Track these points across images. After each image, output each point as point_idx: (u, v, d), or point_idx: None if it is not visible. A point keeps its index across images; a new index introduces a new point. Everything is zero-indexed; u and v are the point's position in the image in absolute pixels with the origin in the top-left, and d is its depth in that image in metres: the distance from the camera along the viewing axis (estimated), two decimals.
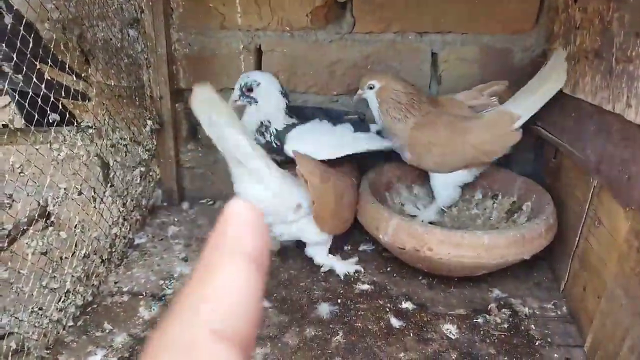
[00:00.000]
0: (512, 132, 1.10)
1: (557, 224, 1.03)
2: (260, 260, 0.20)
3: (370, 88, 1.14)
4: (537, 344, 0.91)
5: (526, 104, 1.10)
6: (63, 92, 0.86)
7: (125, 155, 1.11)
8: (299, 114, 1.16)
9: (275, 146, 1.11)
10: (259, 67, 1.31)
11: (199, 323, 0.19)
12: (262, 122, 1.10)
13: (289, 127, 1.11)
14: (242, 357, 0.19)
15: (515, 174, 1.22)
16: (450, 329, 0.95)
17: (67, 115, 0.89)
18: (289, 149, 1.07)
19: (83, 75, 0.97)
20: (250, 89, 1.07)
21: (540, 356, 0.88)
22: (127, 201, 1.13)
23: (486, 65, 1.25)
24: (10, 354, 0.79)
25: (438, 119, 1.13)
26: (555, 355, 0.89)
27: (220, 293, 0.19)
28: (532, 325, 0.96)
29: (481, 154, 1.13)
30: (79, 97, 0.90)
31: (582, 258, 0.96)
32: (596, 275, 0.89)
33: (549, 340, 0.92)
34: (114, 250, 1.09)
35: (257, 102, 1.09)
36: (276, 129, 1.11)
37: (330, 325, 0.95)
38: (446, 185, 1.19)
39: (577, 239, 0.98)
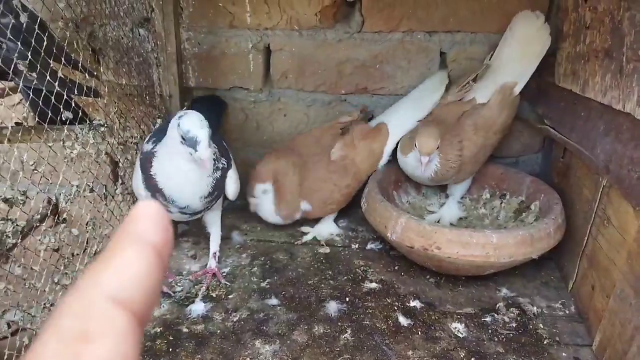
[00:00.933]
0: (516, 97, 1.16)
1: (565, 223, 1.03)
2: (163, 252, 0.22)
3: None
4: (545, 343, 0.91)
5: (515, 71, 1.15)
6: (76, 90, 0.87)
7: (136, 153, 1.12)
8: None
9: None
10: (267, 66, 1.32)
11: (96, 290, 0.19)
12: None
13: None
14: (137, 326, 0.19)
15: (524, 173, 1.22)
16: (458, 328, 0.95)
17: (80, 113, 0.89)
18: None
19: (95, 73, 0.97)
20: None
21: (549, 355, 0.89)
22: (137, 199, 1.14)
23: None
24: (23, 349, 0.80)
25: (457, 125, 1.14)
26: (564, 354, 0.89)
27: (120, 268, 0.20)
28: (541, 324, 0.96)
29: (505, 132, 1.18)
30: (91, 94, 0.91)
31: (591, 257, 0.96)
32: (605, 275, 0.89)
33: (557, 339, 0.92)
34: None
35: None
36: None
37: (339, 323, 0.96)
38: (465, 183, 1.24)
39: (586, 238, 0.98)
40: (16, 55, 0.72)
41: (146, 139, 1.03)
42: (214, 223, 1.14)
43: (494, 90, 1.15)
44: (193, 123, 0.86)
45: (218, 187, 0.99)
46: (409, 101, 1.24)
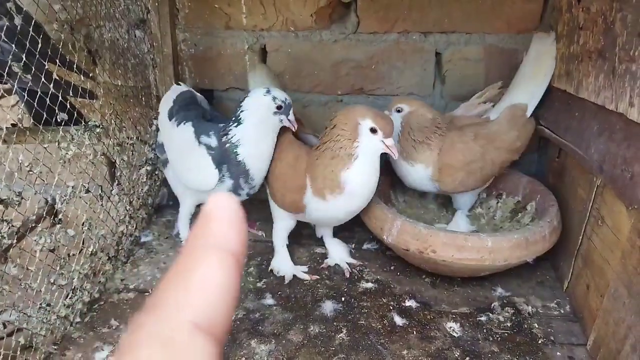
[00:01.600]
0: (529, 121, 1.13)
1: (561, 226, 1.04)
2: (241, 256, 0.21)
3: (398, 111, 1.12)
4: (540, 342, 0.92)
5: (526, 92, 1.13)
6: (71, 91, 0.87)
7: (132, 154, 1.13)
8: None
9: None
10: None
11: (178, 315, 0.18)
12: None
13: None
14: (218, 349, 0.19)
15: (521, 173, 1.23)
16: (453, 327, 0.95)
17: (75, 115, 0.90)
18: None
19: (90, 74, 0.98)
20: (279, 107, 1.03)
21: (543, 354, 0.89)
22: (133, 199, 1.15)
23: (490, 65, 1.25)
24: (19, 349, 0.80)
25: (463, 135, 1.12)
26: (558, 353, 0.89)
27: (200, 285, 0.19)
28: (535, 324, 0.96)
29: (513, 153, 1.13)
30: (87, 96, 0.92)
31: (586, 257, 0.97)
32: (599, 274, 0.90)
33: (552, 338, 0.93)
34: (120, 248, 1.10)
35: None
36: None
37: (334, 323, 0.96)
38: (471, 195, 1.20)
39: (581, 238, 0.99)
40: (10, 57, 0.72)
41: (197, 137, 1.06)
42: None
43: (502, 109, 1.15)
44: (281, 92, 1.03)
45: None
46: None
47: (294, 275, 1.10)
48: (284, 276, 1.09)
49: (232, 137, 1.03)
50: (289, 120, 1.04)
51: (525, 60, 1.16)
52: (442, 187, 1.13)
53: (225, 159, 1.04)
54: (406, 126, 1.11)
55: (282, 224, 1.15)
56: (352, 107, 1.01)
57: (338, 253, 1.16)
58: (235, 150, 1.03)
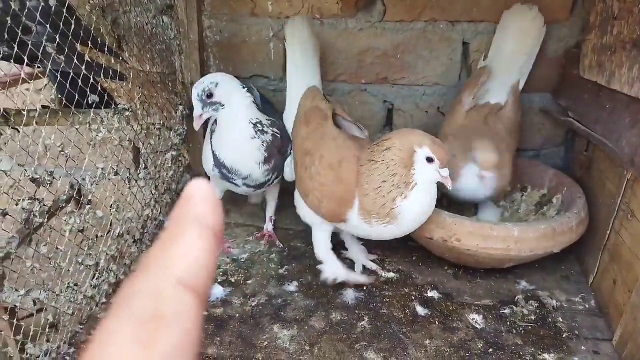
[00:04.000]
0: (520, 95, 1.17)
1: (588, 217, 1.02)
2: (218, 233, 0.23)
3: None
4: (564, 336, 0.91)
5: (518, 70, 1.15)
6: (102, 73, 0.88)
7: (158, 139, 1.13)
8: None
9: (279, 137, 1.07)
10: None
11: (165, 273, 0.21)
12: (252, 122, 1.03)
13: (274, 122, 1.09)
14: (199, 304, 0.21)
15: (546, 166, 1.21)
16: (476, 319, 0.95)
17: (106, 97, 0.91)
18: None
19: (120, 57, 0.99)
20: (210, 95, 0.97)
21: (568, 348, 0.88)
22: (158, 184, 1.16)
23: None
24: (47, 326, 0.82)
25: (497, 137, 1.09)
26: (583, 347, 0.88)
27: (184, 250, 0.21)
28: (560, 318, 0.95)
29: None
30: (117, 78, 0.92)
31: (613, 251, 0.95)
32: (627, 269, 0.88)
33: (577, 333, 0.92)
34: (145, 231, 1.11)
35: (223, 106, 0.99)
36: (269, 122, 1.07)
37: (356, 311, 0.96)
38: None
39: (609, 232, 0.97)
40: (45, 38, 0.73)
41: (210, 125, 1.11)
42: (272, 195, 1.22)
43: (505, 90, 1.14)
44: (214, 76, 1.00)
45: (275, 161, 1.06)
46: None
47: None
48: (340, 281, 1.00)
49: (213, 127, 1.06)
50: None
51: (506, 36, 1.16)
52: (498, 180, 1.04)
53: (212, 147, 1.06)
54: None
55: (321, 234, 1.04)
56: (409, 133, 0.92)
57: (355, 254, 1.11)
58: (211, 142, 1.06)
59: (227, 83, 0.99)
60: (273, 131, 1.06)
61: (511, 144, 1.11)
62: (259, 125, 1.03)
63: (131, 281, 0.21)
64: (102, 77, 0.88)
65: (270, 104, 1.21)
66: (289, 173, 1.10)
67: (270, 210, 1.23)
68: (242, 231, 1.23)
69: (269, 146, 1.04)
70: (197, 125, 0.99)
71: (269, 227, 1.22)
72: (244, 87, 1.02)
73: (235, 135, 1.01)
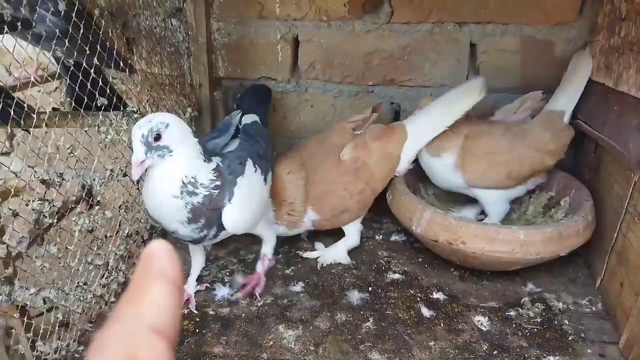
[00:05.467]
0: (566, 128, 1.10)
1: (595, 221, 1.02)
2: (179, 284, 0.25)
3: None
4: (570, 338, 0.90)
5: (563, 99, 1.11)
6: (112, 64, 0.88)
7: None
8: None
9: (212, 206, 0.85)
10: (295, 56, 1.33)
11: (137, 321, 0.23)
12: (184, 181, 0.82)
13: (231, 175, 0.88)
14: (171, 349, 0.23)
15: (554, 168, 1.20)
16: (481, 321, 0.95)
17: (115, 100, 0.92)
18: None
19: (129, 61, 1.00)
20: (158, 136, 0.78)
21: (573, 351, 0.88)
22: None
23: (526, 57, 1.23)
24: (57, 325, 0.83)
25: (492, 127, 1.12)
26: (589, 350, 0.88)
27: (153, 300, 0.24)
28: (566, 320, 0.95)
29: (544, 155, 1.09)
30: (127, 70, 0.93)
31: (620, 254, 0.95)
32: (635, 272, 0.88)
33: (583, 335, 0.91)
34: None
35: (171, 152, 0.80)
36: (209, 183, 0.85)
37: (361, 312, 0.97)
38: (500, 200, 1.14)
39: (616, 234, 0.96)
40: (54, 42, 0.74)
41: None
42: (261, 232, 1.05)
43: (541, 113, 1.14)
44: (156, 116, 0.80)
45: (208, 219, 0.86)
46: (438, 105, 1.11)
47: (322, 264, 1.11)
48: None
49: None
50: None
51: (566, 75, 1.14)
52: (466, 176, 1.09)
53: None
54: None
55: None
56: None
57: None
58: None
59: (179, 126, 0.81)
60: (210, 191, 0.84)
61: (504, 144, 1.11)
62: (189, 186, 0.82)
63: (103, 332, 0.23)
64: (113, 67, 0.89)
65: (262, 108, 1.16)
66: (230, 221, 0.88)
67: (264, 248, 1.07)
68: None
69: (194, 208, 0.83)
70: (135, 174, 0.79)
71: (258, 267, 1.05)
72: (194, 135, 0.85)
73: (158, 189, 0.83)
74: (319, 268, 1.10)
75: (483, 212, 1.20)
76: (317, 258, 1.13)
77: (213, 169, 0.86)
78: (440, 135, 1.10)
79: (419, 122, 1.13)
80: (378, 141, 1.11)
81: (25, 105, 0.75)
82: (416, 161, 1.17)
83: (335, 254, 1.14)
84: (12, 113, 0.70)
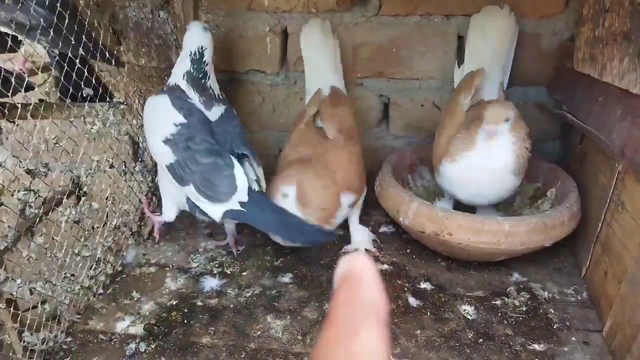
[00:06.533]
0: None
1: (580, 212, 1.03)
2: (388, 321, 0.23)
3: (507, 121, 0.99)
4: (555, 327, 0.91)
5: (500, 69, 1.16)
6: (99, 55, 0.89)
7: None
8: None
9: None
10: (284, 48, 1.33)
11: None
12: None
13: None
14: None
15: (541, 159, 1.21)
16: (467, 310, 0.96)
17: (101, 90, 0.92)
18: None
19: (115, 52, 1.00)
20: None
21: (558, 339, 0.89)
22: (155, 177, 1.17)
23: None
24: (44, 317, 0.83)
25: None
26: (573, 338, 0.89)
27: (366, 353, 0.21)
28: (551, 309, 0.96)
29: None
30: (113, 62, 0.93)
31: (605, 243, 0.96)
32: (617, 260, 0.89)
33: (568, 324, 0.92)
34: (142, 224, 1.13)
35: None
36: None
37: None
38: None
39: (600, 224, 0.98)
40: (39, 32, 0.74)
41: None
42: None
43: (495, 88, 1.15)
44: None
45: None
46: None
47: (307, 256, 1.11)
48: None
49: None
50: None
51: (481, 36, 1.16)
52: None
53: None
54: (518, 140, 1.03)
55: None
56: None
57: (360, 240, 1.15)
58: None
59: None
60: None
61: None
62: None
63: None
64: (99, 59, 0.89)
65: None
66: None
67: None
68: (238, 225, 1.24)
69: None
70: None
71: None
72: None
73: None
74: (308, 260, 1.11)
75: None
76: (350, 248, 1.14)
77: None
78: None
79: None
80: (336, 107, 1.17)
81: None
82: None
83: (363, 235, 1.16)
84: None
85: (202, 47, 1.02)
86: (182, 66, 1.02)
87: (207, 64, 1.03)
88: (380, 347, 0.21)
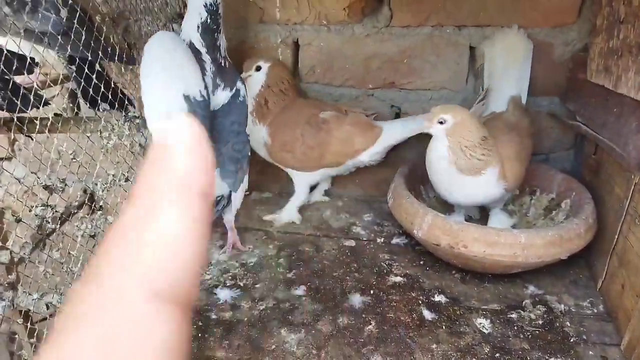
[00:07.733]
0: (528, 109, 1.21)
1: (596, 223, 1.02)
2: (210, 198, 0.17)
3: (441, 123, 1.02)
4: (572, 341, 0.90)
5: (515, 84, 1.18)
6: (110, 55, 0.89)
7: None
8: None
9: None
10: (295, 60, 1.33)
11: (128, 282, 0.16)
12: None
13: None
14: (182, 318, 0.16)
15: (555, 170, 1.21)
16: (483, 323, 0.95)
17: (116, 105, 0.93)
18: None
19: (130, 66, 1.01)
20: None
21: (575, 353, 0.88)
22: None
23: None
24: None
25: (497, 129, 1.11)
26: (591, 352, 0.88)
27: (163, 241, 0.16)
28: (568, 322, 0.95)
29: (532, 138, 1.17)
30: (127, 60, 0.94)
31: (621, 256, 0.95)
32: (635, 273, 0.88)
33: (584, 337, 0.91)
34: None
35: None
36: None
37: (363, 315, 0.97)
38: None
39: (617, 236, 0.97)
40: (56, 48, 0.75)
41: None
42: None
43: (505, 100, 1.16)
44: None
45: None
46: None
47: (319, 268, 1.11)
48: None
49: None
50: None
51: (493, 55, 1.18)
52: (509, 185, 1.06)
53: None
54: (455, 142, 1.02)
55: None
56: None
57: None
58: None
59: None
60: None
61: (513, 140, 1.08)
62: None
63: (79, 294, 0.16)
64: (112, 59, 0.90)
65: None
66: None
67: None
68: (251, 235, 1.24)
69: None
70: None
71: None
72: None
73: None
74: (319, 271, 1.11)
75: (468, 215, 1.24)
76: (273, 220, 1.29)
77: None
78: (475, 157, 1.03)
79: (395, 126, 1.23)
80: (352, 127, 1.21)
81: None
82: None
83: (288, 214, 1.29)
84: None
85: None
86: (194, 18, 0.95)
87: (221, 17, 0.98)
88: (183, 229, 0.16)
